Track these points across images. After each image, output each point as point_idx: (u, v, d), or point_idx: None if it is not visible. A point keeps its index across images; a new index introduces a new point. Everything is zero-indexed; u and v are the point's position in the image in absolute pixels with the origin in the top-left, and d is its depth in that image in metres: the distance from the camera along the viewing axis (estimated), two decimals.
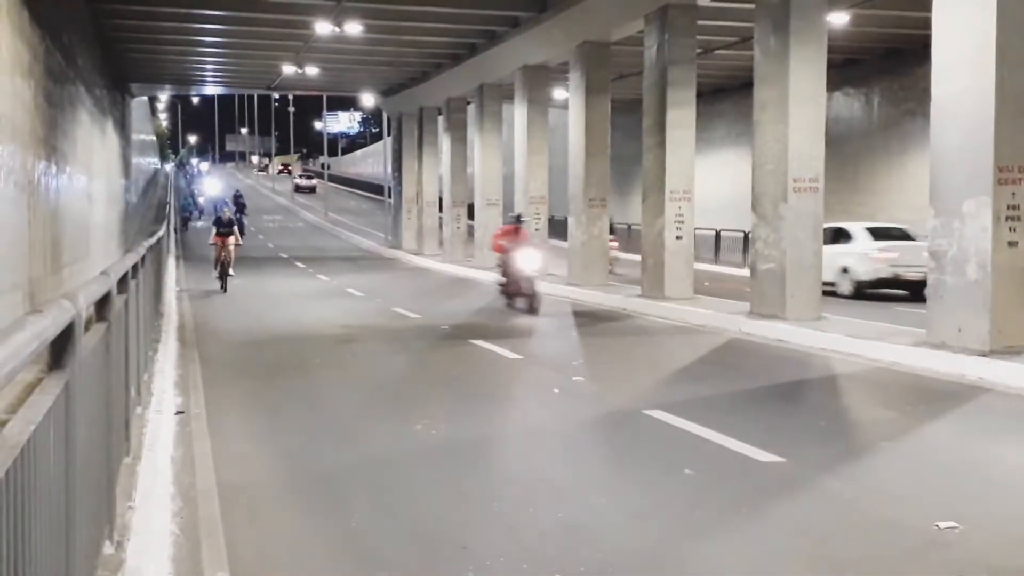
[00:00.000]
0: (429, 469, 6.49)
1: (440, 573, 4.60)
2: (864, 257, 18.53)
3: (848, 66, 26.35)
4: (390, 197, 40.99)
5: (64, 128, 15.69)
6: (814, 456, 6.72)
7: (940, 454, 6.98)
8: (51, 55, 14.03)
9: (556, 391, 9.33)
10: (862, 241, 18.90)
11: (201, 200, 56.02)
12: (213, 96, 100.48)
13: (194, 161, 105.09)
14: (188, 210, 48.51)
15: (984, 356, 9.94)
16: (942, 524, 5.13)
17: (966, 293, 10.36)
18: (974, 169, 10.29)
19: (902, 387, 9.64)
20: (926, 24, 11.23)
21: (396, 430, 7.64)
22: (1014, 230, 10.21)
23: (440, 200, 34.30)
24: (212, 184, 65.71)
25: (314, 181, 75.73)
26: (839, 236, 18.63)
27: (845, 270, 18.52)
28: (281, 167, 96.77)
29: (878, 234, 19.08)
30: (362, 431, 7.70)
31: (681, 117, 17.17)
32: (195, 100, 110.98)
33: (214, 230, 22.37)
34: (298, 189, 74.13)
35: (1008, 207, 10.17)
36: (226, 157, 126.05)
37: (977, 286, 10.24)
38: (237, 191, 48.81)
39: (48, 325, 2.76)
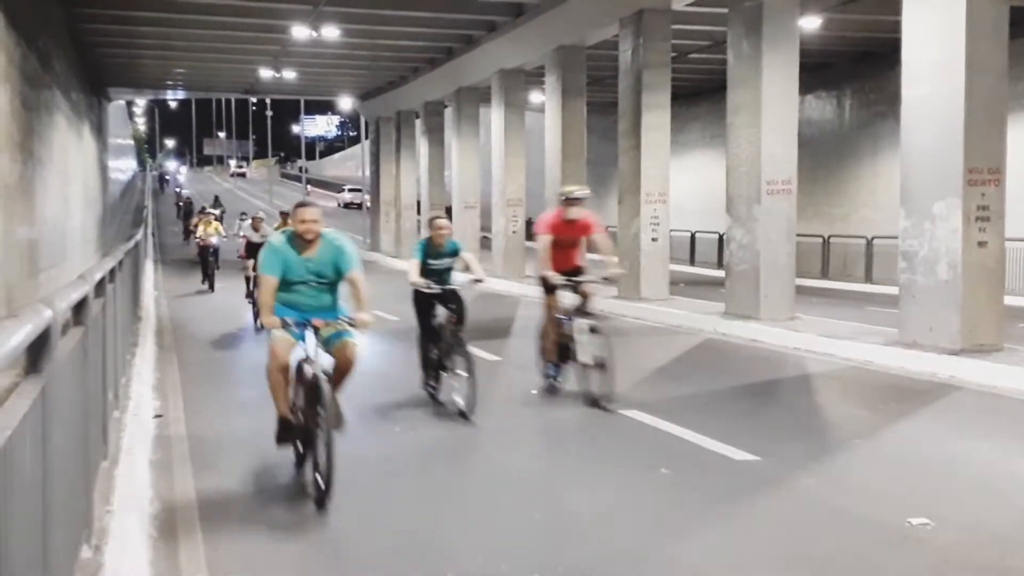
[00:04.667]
0: (408, 470, 6.53)
1: (418, 574, 4.63)
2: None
3: (820, 69, 26.52)
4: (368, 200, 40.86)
5: (40, 132, 15.60)
6: (789, 454, 6.80)
7: (912, 452, 7.08)
8: (27, 59, 13.96)
9: (534, 392, 9.38)
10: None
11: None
12: (190, 100, 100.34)
13: (172, 170, 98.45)
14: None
15: (955, 355, 10.07)
16: (914, 520, 5.21)
17: (937, 293, 10.48)
18: (944, 171, 10.42)
19: (875, 386, 9.74)
20: (896, 28, 11.35)
21: (375, 431, 7.68)
22: (984, 230, 10.35)
23: (418, 203, 34.27)
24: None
25: (244, 169, 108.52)
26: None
27: None
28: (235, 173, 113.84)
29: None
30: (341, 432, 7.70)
31: (656, 120, 17.26)
32: (172, 104, 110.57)
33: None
34: (233, 175, 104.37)
35: (978, 208, 10.31)
36: (203, 161, 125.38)
37: (948, 286, 10.37)
38: None
39: (25, 330, 2.79)
